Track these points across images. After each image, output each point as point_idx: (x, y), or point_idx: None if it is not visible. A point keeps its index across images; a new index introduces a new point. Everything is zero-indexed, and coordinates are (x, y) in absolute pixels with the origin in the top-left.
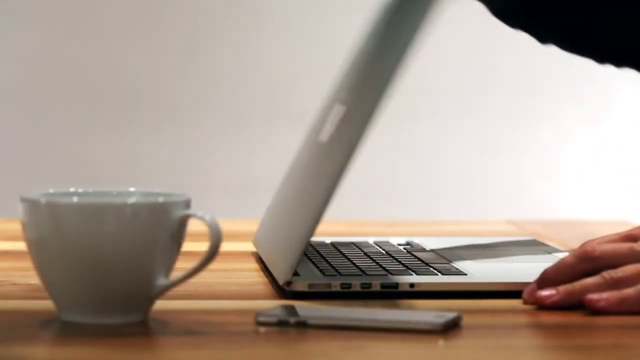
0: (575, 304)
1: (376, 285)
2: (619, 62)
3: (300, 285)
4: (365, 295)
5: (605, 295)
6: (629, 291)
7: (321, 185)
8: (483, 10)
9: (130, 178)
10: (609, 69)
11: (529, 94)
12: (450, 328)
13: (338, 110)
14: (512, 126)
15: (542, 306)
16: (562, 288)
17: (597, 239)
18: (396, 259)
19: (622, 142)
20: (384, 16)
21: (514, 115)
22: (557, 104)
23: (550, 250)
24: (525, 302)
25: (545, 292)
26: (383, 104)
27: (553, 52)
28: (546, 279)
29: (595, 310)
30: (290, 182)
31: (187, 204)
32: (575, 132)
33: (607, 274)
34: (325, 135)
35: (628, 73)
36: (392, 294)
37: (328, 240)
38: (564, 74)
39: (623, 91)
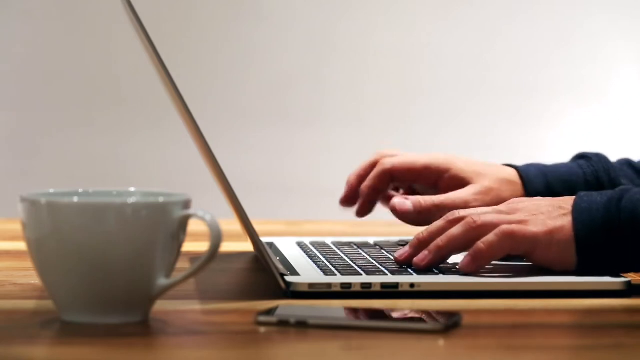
0: (447, 256)
1: (376, 285)
2: None
3: (300, 285)
4: (365, 295)
5: (469, 252)
6: (489, 237)
7: None
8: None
9: (130, 178)
10: (607, 65)
11: (528, 94)
12: (450, 328)
13: None
14: (511, 126)
15: (419, 269)
16: (432, 245)
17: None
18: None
19: (621, 142)
20: None
21: (513, 115)
22: (557, 103)
23: None
24: (398, 263)
25: (418, 257)
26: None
27: (552, 52)
28: (420, 242)
29: (468, 271)
30: None
31: (187, 204)
32: (574, 132)
33: (471, 219)
34: None
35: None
36: (392, 294)
37: (328, 240)
38: (563, 72)
39: (622, 91)
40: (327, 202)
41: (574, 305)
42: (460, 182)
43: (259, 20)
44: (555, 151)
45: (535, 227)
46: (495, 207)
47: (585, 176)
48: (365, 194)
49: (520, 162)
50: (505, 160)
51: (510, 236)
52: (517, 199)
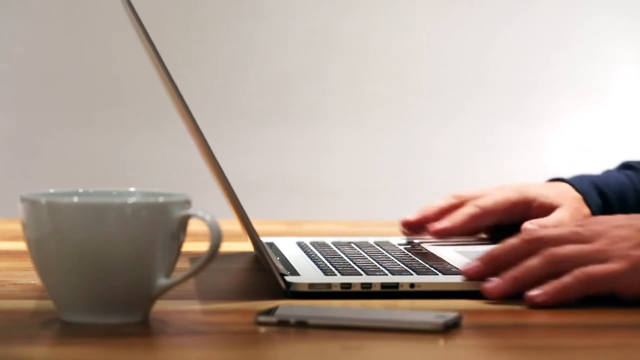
0: (522, 290)
1: (376, 285)
2: None
3: (300, 285)
4: (365, 295)
5: (545, 289)
6: (567, 279)
7: None
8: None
9: (130, 178)
10: (607, 65)
11: (528, 94)
12: (450, 328)
13: None
14: (511, 126)
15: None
16: (507, 275)
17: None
18: (396, 259)
19: (621, 141)
20: None
21: (513, 115)
22: (557, 103)
23: None
24: (468, 279)
25: (490, 284)
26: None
27: (552, 52)
28: (493, 258)
29: (536, 305)
30: None
31: (187, 204)
32: (574, 132)
33: (549, 253)
34: None
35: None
36: (392, 294)
37: (328, 240)
38: (563, 72)
39: (622, 91)
40: (327, 202)
41: (573, 306)
42: (547, 209)
43: (259, 20)
44: (555, 151)
45: (618, 262)
46: (575, 230)
47: (634, 185)
48: (457, 230)
49: (520, 162)
50: (506, 159)
51: (588, 281)
52: (596, 218)
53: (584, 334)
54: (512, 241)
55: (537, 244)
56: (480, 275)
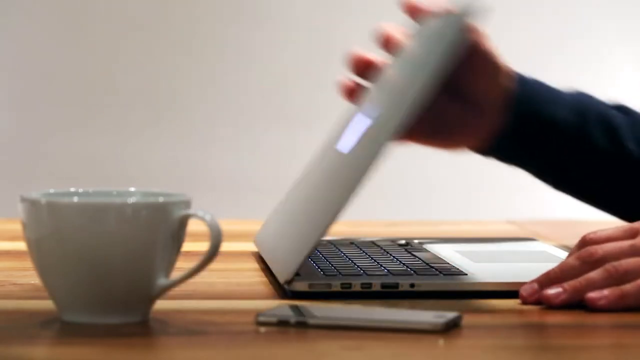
0: (582, 301)
1: (376, 285)
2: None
3: (300, 285)
4: (365, 295)
5: (605, 293)
6: (628, 287)
7: (337, 194)
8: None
9: (130, 178)
10: (608, 68)
11: None
12: (450, 328)
13: (362, 122)
14: None
15: (550, 306)
16: (569, 285)
17: (598, 232)
18: (396, 259)
19: None
20: (417, 39)
21: None
22: None
23: (550, 249)
24: (525, 302)
25: (552, 291)
26: (408, 121)
27: (553, 53)
28: (551, 280)
29: (596, 308)
30: (304, 186)
31: (187, 204)
32: None
33: (612, 267)
34: (346, 145)
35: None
36: (392, 294)
37: (328, 240)
38: (562, 72)
39: (622, 90)
40: None
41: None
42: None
43: (259, 21)
44: None
45: None
46: (633, 242)
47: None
48: None
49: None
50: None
51: None
52: None
53: (583, 334)
54: (569, 262)
55: (597, 265)
56: (537, 298)
